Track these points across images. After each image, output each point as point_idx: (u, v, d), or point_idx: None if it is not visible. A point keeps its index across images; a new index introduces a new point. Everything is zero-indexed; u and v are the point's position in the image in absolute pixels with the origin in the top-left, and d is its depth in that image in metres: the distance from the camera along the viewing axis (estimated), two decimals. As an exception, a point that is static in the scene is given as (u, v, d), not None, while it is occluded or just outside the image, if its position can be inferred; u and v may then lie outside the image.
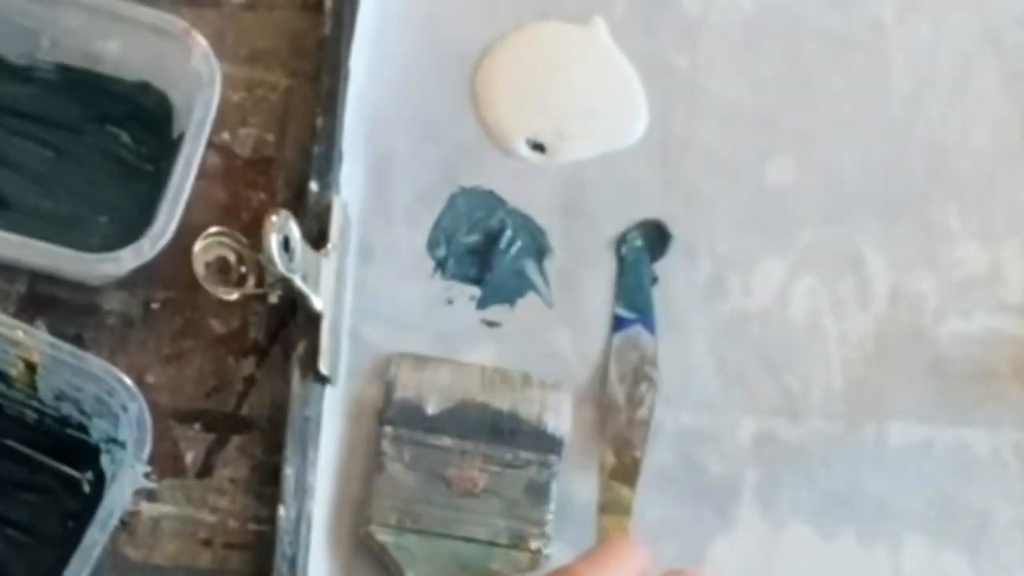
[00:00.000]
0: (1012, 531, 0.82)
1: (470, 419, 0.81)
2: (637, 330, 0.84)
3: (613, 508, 0.81)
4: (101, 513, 0.73)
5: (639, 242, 0.85)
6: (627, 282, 0.84)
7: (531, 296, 0.85)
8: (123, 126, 0.85)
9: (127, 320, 0.83)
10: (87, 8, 0.82)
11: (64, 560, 0.72)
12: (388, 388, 0.82)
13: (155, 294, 0.83)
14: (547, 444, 0.81)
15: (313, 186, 0.83)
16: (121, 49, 0.83)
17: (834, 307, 0.85)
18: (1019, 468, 0.83)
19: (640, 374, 0.83)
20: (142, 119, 0.85)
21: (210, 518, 0.80)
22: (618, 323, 0.84)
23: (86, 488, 0.79)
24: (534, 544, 0.79)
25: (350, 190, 0.85)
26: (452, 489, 0.80)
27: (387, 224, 0.85)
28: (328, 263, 0.81)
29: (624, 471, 0.81)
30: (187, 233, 0.80)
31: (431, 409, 0.81)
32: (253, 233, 0.79)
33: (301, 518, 0.78)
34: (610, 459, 0.82)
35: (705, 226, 0.86)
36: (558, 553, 0.79)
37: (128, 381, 0.75)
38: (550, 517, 0.80)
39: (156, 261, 0.79)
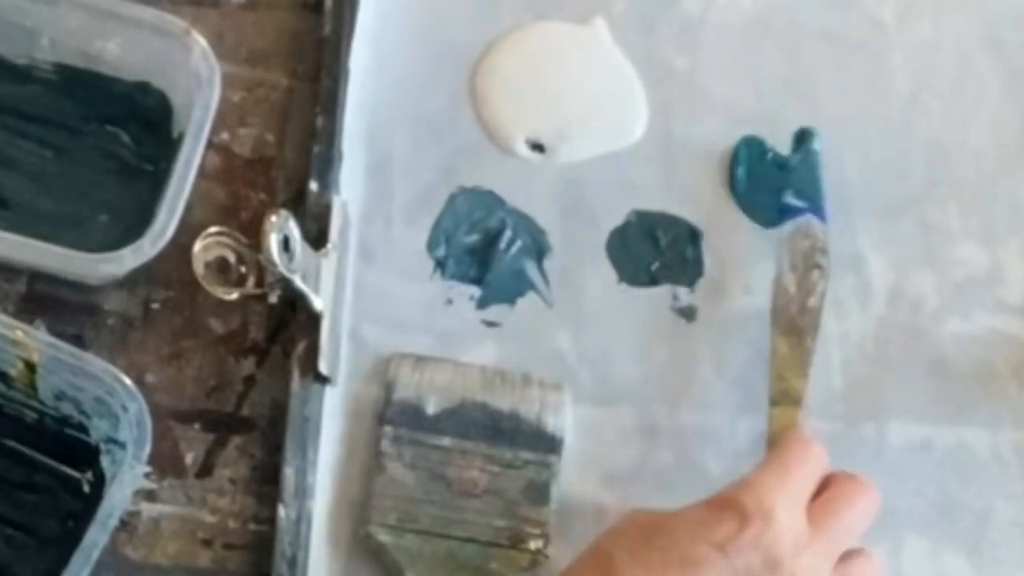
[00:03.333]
0: (1012, 531, 0.82)
1: (470, 419, 0.81)
2: (808, 218, 0.84)
3: (784, 399, 0.80)
4: (101, 513, 0.73)
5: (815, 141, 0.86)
6: (798, 173, 0.85)
7: (531, 296, 0.85)
8: (123, 126, 0.85)
9: (127, 320, 0.83)
10: (87, 8, 0.82)
11: (64, 560, 0.72)
12: (388, 388, 0.82)
13: (155, 294, 0.83)
14: (547, 444, 0.81)
15: (313, 186, 0.83)
16: (121, 49, 0.83)
17: (834, 307, 0.85)
18: (1019, 468, 0.83)
19: (811, 261, 0.82)
20: (142, 119, 0.85)
21: (210, 518, 0.80)
22: (789, 211, 0.84)
23: (86, 488, 0.79)
24: (534, 544, 0.80)
25: (350, 190, 0.85)
26: (452, 489, 0.80)
27: (387, 224, 0.85)
28: (328, 263, 0.81)
29: (796, 360, 0.81)
30: (187, 233, 0.80)
31: (431, 409, 0.81)
32: (253, 233, 0.79)
33: (301, 518, 0.78)
34: (783, 348, 0.81)
35: (705, 226, 0.86)
36: (558, 553, 0.79)
37: (128, 381, 0.75)
38: (550, 517, 0.80)
39: (156, 261, 0.79)
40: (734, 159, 0.87)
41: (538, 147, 0.87)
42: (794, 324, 0.82)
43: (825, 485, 0.76)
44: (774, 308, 0.82)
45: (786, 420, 0.79)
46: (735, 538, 0.71)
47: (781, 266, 0.83)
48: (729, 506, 0.72)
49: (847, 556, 0.75)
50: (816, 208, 0.85)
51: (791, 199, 0.84)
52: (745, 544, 0.71)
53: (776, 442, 0.78)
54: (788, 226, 0.84)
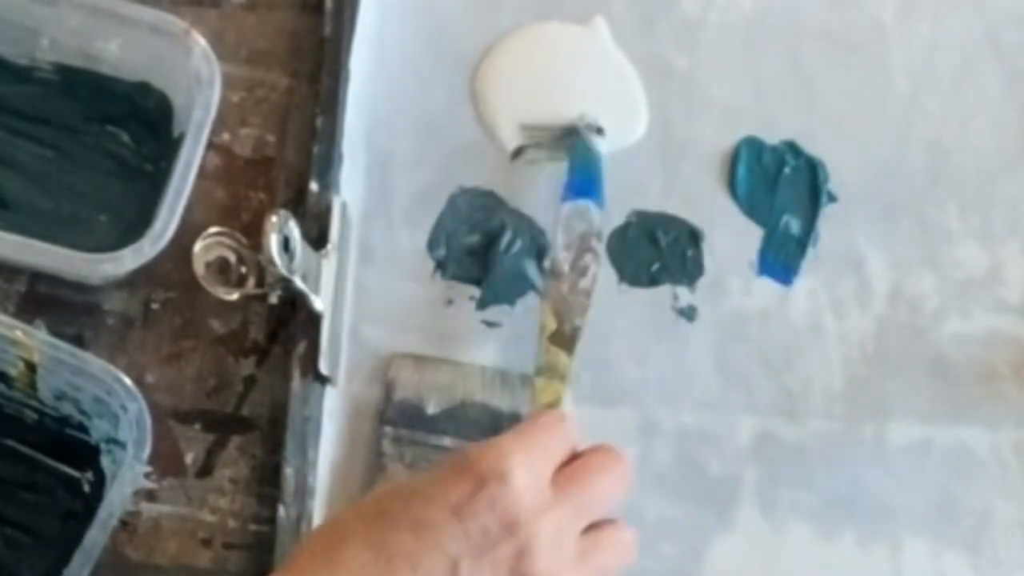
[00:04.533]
0: (1012, 531, 0.82)
1: (470, 419, 0.81)
2: (586, 203, 0.84)
3: (549, 372, 0.79)
4: (101, 513, 0.73)
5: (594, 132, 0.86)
6: (577, 160, 0.84)
7: (531, 296, 0.85)
8: (123, 126, 0.85)
9: (127, 320, 0.83)
10: (87, 8, 0.82)
11: (64, 560, 0.73)
12: (388, 388, 0.82)
13: (155, 294, 0.83)
14: (547, 444, 0.81)
15: (313, 186, 0.83)
16: (121, 49, 0.83)
17: (834, 307, 0.85)
18: (1019, 468, 0.83)
19: (585, 244, 0.82)
20: (142, 119, 0.85)
21: (210, 518, 0.80)
22: (568, 194, 0.84)
23: (86, 488, 0.79)
24: (534, 544, 0.79)
25: (350, 190, 0.85)
26: (452, 489, 0.80)
27: (387, 224, 0.85)
28: (328, 263, 0.81)
29: (563, 337, 0.80)
30: (187, 233, 0.80)
31: (431, 409, 0.81)
32: (253, 233, 0.79)
33: (301, 518, 0.78)
34: (551, 323, 0.80)
35: (705, 226, 0.86)
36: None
37: (128, 381, 0.75)
38: (550, 517, 0.80)
39: (156, 261, 0.79)
40: (735, 159, 0.87)
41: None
42: (565, 302, 0.81)
43: (574, 457, 0.73)
44: (547, 285, 0.82)
45: (551, 394, 0.79)
46: (469, 500, 0.68)
47: (557, 244, 0.83)
48: (464, 468, 0.69)
49: (598, 525, 0.72)
50: (594, 194, 0.84)
51: (571, 182, 0.84)
52: (480, 506, 0.68)
53: (536, 402, 0.77)
54: (566, 207, 0.83)
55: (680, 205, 0.87)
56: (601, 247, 0.83)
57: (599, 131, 0.86)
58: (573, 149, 0.85)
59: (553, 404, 0.79)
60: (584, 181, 0.84)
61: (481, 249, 0.85)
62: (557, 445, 0.72)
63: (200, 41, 0.81)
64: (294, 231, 0.78)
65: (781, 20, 0.90)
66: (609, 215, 0.86)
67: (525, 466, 0.69)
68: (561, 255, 0.82)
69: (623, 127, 0.88)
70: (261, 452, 0.81)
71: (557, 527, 0.69)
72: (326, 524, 0.73)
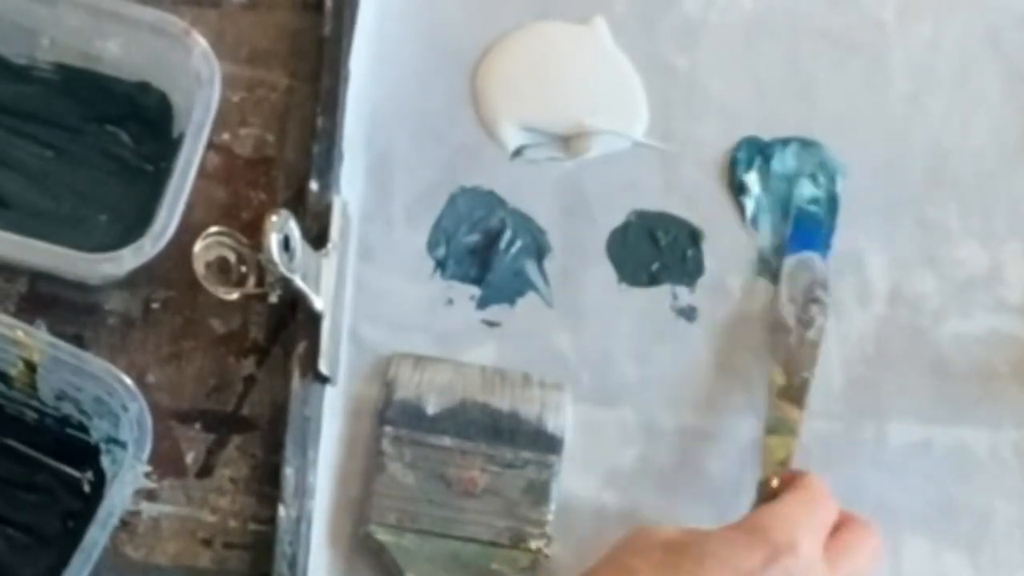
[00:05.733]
0: (1012, 531, 0.82)
1: (470, 419, 0.81)
2: (810, 255, 0.84)
3: (780, 429, 0.80)
4: (101, 513, 0.73)
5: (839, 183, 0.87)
6: (798, 210, 0.86)
7: (531, 296, 0.85)
8: (123, 126, 0.85)
9: (127, 320, 0.83)
10: (87, 8, 0.82)
11: (64, 560, 0.72)
12: (388, 388, 0.82)
13: (155, 294, 0.83)
14: (547, 444, 0.81)
15: (313, 186, 0.83)
16: (121, 49, 0.83)
17: (834, 307, 0.85)
18: (1019, 468, 0.83)
19: (811, 295, 0.83)
20: (142, 119, 0.85)
21: (210, 518, 0.80)
22: (791, 246, 0.85)
23: (86, 488, 0.79)
24: (534, 544, 0.80)
25: (350, 190, 0.85)
26: (452, 489, 0.80)
27: (387, 224, 0.85)
28: (328, 263, 0.81)
29: (792, 391, 0.81)
30: (187, 233, 0.79)
31: (431, 409, 0.81)
32: (253, 233, 0.79)
33: (301, 518, 0.78)
34: (779, 379, 0.81)
35: (705, 226, 0.86)
36: (558, 553, 0.79)
37: (128, 381, 0.75)
38: (550, 517, 0.80)
39: (156, 261, 0.79)
40: (734, 160, 0.87)
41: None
42: (792, 355, 0.82)
43: (835, 527, 0.76)
44: (773, 339, 0.83)
45: (783, 450, 0.79)
46: (763, 570, 0.71)
47: (780, 298, 0.83)
48: (759, 535, 0.72)
49: None
50: (817, 244, 0.85)
51: (793, 232, 0.86)
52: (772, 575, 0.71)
53: (793, 478, 0.77)
54: (790, 260, 0.85)
55: (680, 205, 0.87)
56: (828, 296, 0.84)
57: (812, 180, 0.86)
58: (791, 198, 0.86)
59: (785, 461, 0.79)
60: (806, 232, 0.85)
61: (481, 249, 0.85)
62: (830, 516, 0.75)
63: (200, 41, 0.81)
64: (294, 231, 0.78)
65: (781, 20, 0.90)
66: (609, 215, 0.86)
67: (811, 541, 0.73)
68: (786, 308, 0.83)
69: (623, 127, 0.88)
70: (261, 452, 0.81)
71: None
72: (613, 567, 0.73)
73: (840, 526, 0.76)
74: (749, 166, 0.87)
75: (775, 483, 0.78)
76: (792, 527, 0.73)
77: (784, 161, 0.87)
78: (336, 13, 0.86)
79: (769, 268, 0.85)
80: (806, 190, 0.87)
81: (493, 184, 0.86)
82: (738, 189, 0.87)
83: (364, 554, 0.80)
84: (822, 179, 0.87)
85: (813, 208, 0.86)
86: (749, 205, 0.86)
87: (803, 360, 0.82)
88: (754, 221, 0.86)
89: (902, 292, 0.86)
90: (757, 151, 0.87)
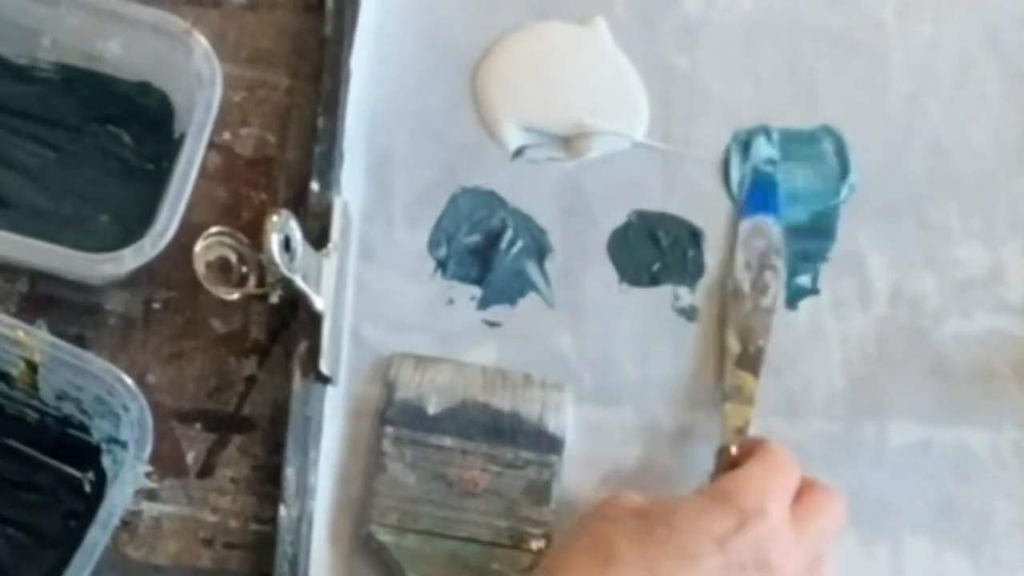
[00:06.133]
0: (1012, 531, 0.82)
1: (471, 419, 0.81)
2: (763, 218, 0.84)
3: (737, 396, 0.81)
4: (102, 513, 0.73)
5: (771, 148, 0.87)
6: (752, 173, 0.86)
7: (532, 296, 0.85)
8: (124, 126, 0.85)
9: (128, 320, 0.83)
10: (88, 8, 0.82)
11: (65, 560, 0.73)
12: (389, 388, 0.82)
13: (156, 294, 0.83)
14: (547, 444, 0.81)
15: (314, 186, 0.84)
16: (122, 49, 0.83)
17: (834, 307, 0.85)
18: (1019, 468, 0.83)
19: (766, 262, 0.83)
20: (143, 119, 0.85)
21: (211, 518, 0.80)
22: (746, 210, 0.85)
23: (87, 488, 0.79)
24: (534, 544, 0.80)
25: (351, 190, 0.85)
26: (453, 489, 0.80)
27: (388, 224, 0.85)
28: (329, 263, 0.81)
29: (748, 359, 0.82)
30: (188, 233, 0.80)
31: (432, 409, 0.81)
32: (254, 233, 0.79)
33: (302, 518, 0.78)
34: (735, 347, 0.82)
35: (706, 226, 0.86)
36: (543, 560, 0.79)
37: (129, 381, 0.75)
38: (551, 517, 0.80)
39: (157, 261, 0.79)
40: (726, 160, 0.87)
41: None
42: (747, 324, 0.82)
43: (798, 492, 0.76)
44: (727, 307, 0.83)
45: (739, 417, 0.80)
46: (734, 535, 0.72)
47: (736, 264, 0.83)
48: (729, 501, 0.73)
49: (812, 561, 0.76)
50: (774, 209, 0.85)
51: (746, 198, 0.86)
52: (742, 540, 0.72)
53: (755, 445, 0.78)
54: (745, 224, 0.85)
55: (681, 205, 0.87)
56: (781, 262, 0.84)
57: (767, 136, 0.86)
58: (746, 161, 0.86)
59: (742, 428, 0.80)
60: (761, 195, 0.85)
61: (482, 249, 0.85)
62: (792, 481, 0.76)
63: (201, 41, 0.81)
64: (295, 231, 0.78)
65: (781, 20, 0.90)
66: (610, 215, 0.86)
67: (778, 504, 0.74)
68: (741, 275, 0.83)
69: (623, 127, 0.88)
70: (262, 452, 0.81)
71: (796, 566, 0.74)
72: (589, 537, 0.74)
73: (803, 491, 0.76)
74: (737, 157, 0.87)
75: (734, 450, 0.79)
76: (760, 492, 0.74)
77: (760, 148, 0.87)
78: (337, 13, 0.86)
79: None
80: (763, 150, 0.87)
81: (494, 184, 0.86)
82: (728, 183, 0.87)
83: (365, 554, 0.80)
84: (776, 138, 0.87)
85: (769, 168, 0.86)
86: (735, 194, 0.86)
87: (758, 328, 0.82)
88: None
89: (902, 292, 0.86)
90: (740, 142, 0.87)
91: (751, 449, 0.78)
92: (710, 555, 0.72)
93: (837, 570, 0.77)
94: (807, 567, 0.75)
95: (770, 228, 0.85)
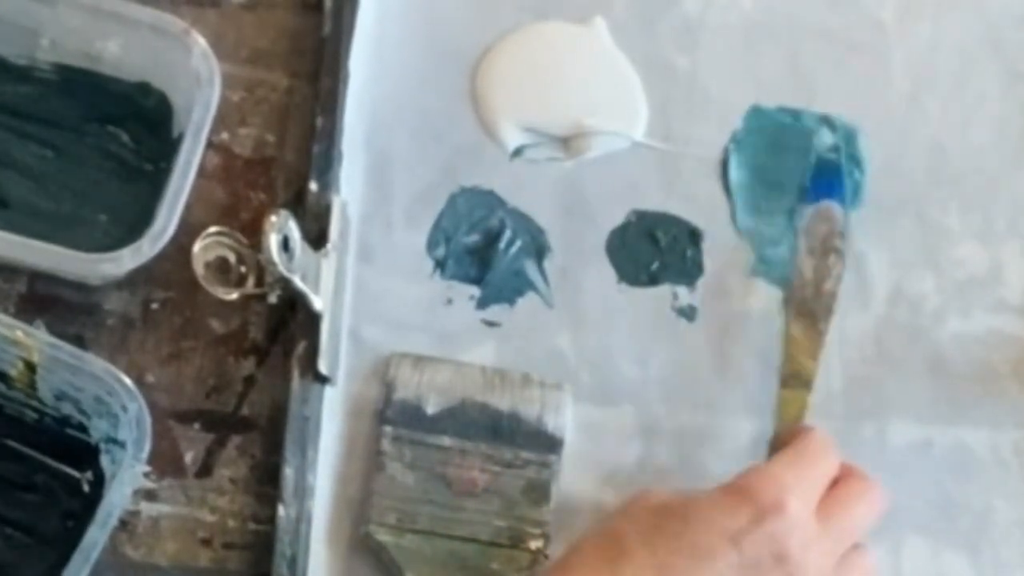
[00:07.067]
0: (1012, 531, 0.82)
1: (470, 419, 0.81)
2: (828, 203, 0.84)
3: (794, 382, 0.81)
4: (101, 513, 0.73)
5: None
6: (816, 158, 0.86)
7: (531, 296, 0.85)
8: (123, 126, 0.85)
9: (127, 320, 0.83)
10: (87, 8, 0.82)
11: (64, 560, 0.72)
12: (388, 388, 0.82)
13: (155, 294, 0.83)
14: (547, 444, 0.81)
15: (313, 186, 0.84)
16: (121, 49, 0.83)
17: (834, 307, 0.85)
18: (1019, 468, 0.83)
19: (828, 246, 0.83)
20: (142, 119, 0.85)
21: (210, 518, 0.80)
22: (809, 195, 0.85)
23: (86, 488, 0.79)
24: (534, 544, 0.80)
25: (350, 190, 0.85)
26: (452, 489, 0.80)
27: (387, 224, 0.85)
28: (328, 263, 0.81)
29: (808, 344, 0.81)
30: (187, 233, 0.79)
31: (431, 409, 0.81)
32: (253, 233, 0.79)
33: (301, 518, 0.78)
34: (796, 331, 0.82)
35: (705, 226, 0.86)
36: (558, 553, 0.79)
37: (128, 381, 0.75)
38: (550, 517, 0.80)
39: (156, 261, 0.79)
40: (725, 160, 0.87)
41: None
42: (808, 307, 0.82)
43: (834, 481, 0.76)
44: (790, 290, 0.83)
45: (796, 403, 0.80)
46: (748, 531, 0.72)
47: (799, 250, 0.83)
48: (745, 496, 0.72)
49: (846, 552, 0.75)
50: (837, 192, 0.85)
51: (811, 183, 0.86)
52: (757, 536, 0.72)
53: (793, 434, 0.78)
54: (808, 210, 0.85)
55: (680, 205, 0.87)
56: (846, 246, 0.84)
57: (830, 127, 0.86)
58: (810, 148, 0.86)
59: (798, 415, 0.80)
60: (826, 180, 0.85)
61: (481, 249, 0.85)
62: (825, 473, 0.75)
63: (200, 41, 0.81)
64: (294, 231, 0.78)
65: (781, 20, 0.90)
66: (609, 215, 0.86)
67: (800, 498, 0.73)
68: (804, 260, 0.82)
69: (623, 127, 0.88)
70: (261, 452, 0.81)
71: (821, 560, 0.73)
72: (600, 533, 0.74)
73: (839, 480, 0.76)
74: (736, 157, 0.87)
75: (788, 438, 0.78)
76: (779, 486, 0.73)
77: (824, 136, 0.87)
78: (336, 13, 0.86)
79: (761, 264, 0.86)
80: (826, 138, 0.87)
81: (493, 184, 0.86)
82: (727, 183, 0.87)
83: (364, 554, 0.80)
84: (839, 126, 0.87)
85: (832, 156, 0.86)
86: (733, 192, 0.86)
87: (819, 312, 0.82)
88: (735, 215, 0.86)
89: (902, 292, 0.86)
90: (734, 139, 0.87)
91: (790, 439, 0.77)
92: (723, 551, 0.71)
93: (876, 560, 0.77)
94: (837, 560, 0.74)
95: (834, 212, 0.84)
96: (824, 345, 0.82)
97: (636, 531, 0.72)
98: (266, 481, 0.80)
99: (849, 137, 0.87)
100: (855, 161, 0.87)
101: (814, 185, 0.86)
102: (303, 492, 0.79)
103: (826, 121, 0.87)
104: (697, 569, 0.71)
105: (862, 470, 0.77)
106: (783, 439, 0.78)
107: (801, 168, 0.87)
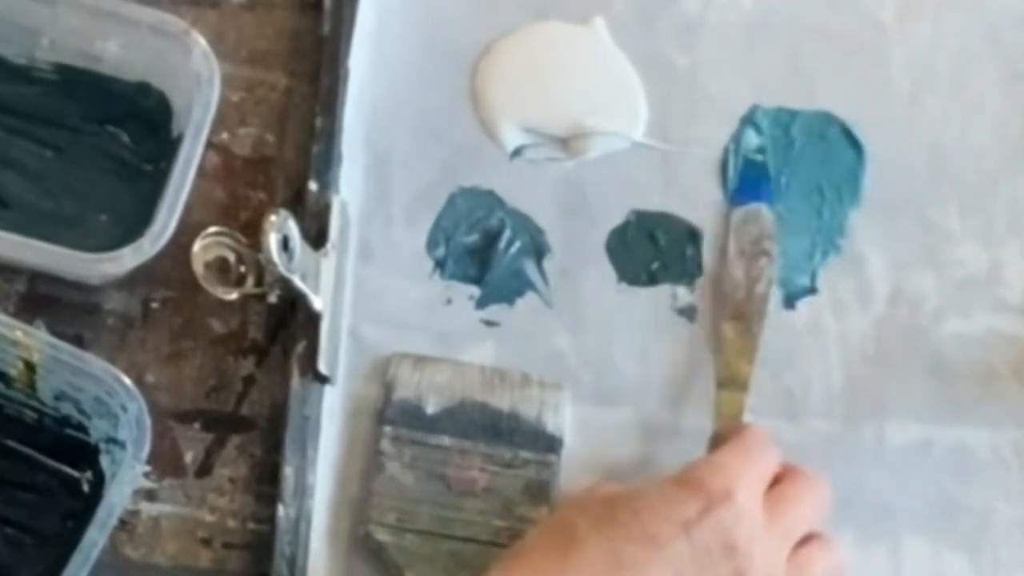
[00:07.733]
0: (1012, 531, 0.82)
1: (469, 419, 0.81)
2: (757, 205, 0.84)
3: (731, 384, 0.81)
4: (101, 513, 0.73)
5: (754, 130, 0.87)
6: (741, 160, 0.86)
7: (530, 296, 0.85)
8: (123, 126, 0.85)
9: (127, 320, 0.83)
10: (87, 8, 0.82)
11: (64, 560, 0.73)
12: (387, 388, 0.82)
13: (155, 294, 0.83)
14: (546, 444, 0.81)
15: (312, 186, 0.84)
16: (121, 49, 0.83)
17: (834, 307, 0.85)
18: (1019, 468, 0.83)
19: (759, 248, 0.83)
20: (142, 119, 0.85)
21: (209, 517, 0.80)
22: (736, 198, 0.85)
23: (86, 488, 0.79)
24: (534, 544, 0.80)
25: (349, 190, 0.85)
26: (451, 489, 0.80)
27: (386, 224, 0.85)
28: (327, 263, 0.81)
29: (743, 346, 0.82)
30: (187, 233, 0.79)
31: (430, 409, 0.81)
32: (252, 233, 0.79)
33: (300, 518, 0.78)
34: (730, 333, 0.82)
35: (704, 226, 0.86)
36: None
37: (127, 381, 0.75)
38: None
39: (156, 261, 0.79)
40: (725, 159, 0.87)
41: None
42: (741, 310, 0.83)
43: (777, 478, 0.76)
44: (722, 294, 0.83)
45: (733, 405, 0.81)
46: (698, 520, 0.72)
47: (729, 252, 0.84)
48: (694, 486, 0.73)
49: (802, 543, 0.76)
50: (766, 195, 0.85)
51: (737, 184, 0.86)
52: (708, 525, 0.72)
53: (733, 431, 0.78)
54: (737, 212, 0.85)
55: (680, 205, 0.87)
56: (775, 248, 0.84)
57: (756, 129, 0.86)
58: (735, 150, 0.86)
59: (735, 416, 0.80)
60: (752, 184, 0.85)
61: (480, 249, 0.85)
62: (768, 466, 0.76)
63: (200, 41, 0.81)
64: (293, 230, 0.78)
65: (781, 20, 0.90)
66: (609, 215, 0.86)
67: (748, 488, 0.73)
68: (735, 263, 0.83)
69: (623, 127, 0.88)
70: (260, 451, 0.81)
71: (768, 553, 0.73)
72: (551, 523, 0.75)
73: (782, 477, 0.76)
74: (735, 157, 0.87)
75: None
76: (727, 477, 0.73)
77: (749, 138, 0.87)
78: (335, 13, 0.86)
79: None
80: (751, 140, 0.87)
81: (492, 184, 0.86)
82: (727, 183, 0.87)
83: (363, 554, 0.80)
84: (766, 126, 0.87)
85: (759, 158, 0.86)
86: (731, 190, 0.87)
87: (752, 315, 0.82)
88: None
89: (902, 292, 0.86)
90: (733, 140, 0.87)
91: (732, 434, 0.78)
92: (674, 540, 0.71)
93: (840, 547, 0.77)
94: (787, 554, 0.74)
95: (763, 214, 0.85)
96: (758, 348, 0.82)
97: (587, 520, 0.72)
98: (266, 481, 0.80)
99: (784, 126, 0.87)
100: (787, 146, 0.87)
101: (742, 187, 0.86)
102: (303, 492, 0.79)
103: (750, 121, 0.87)
104: (648, 557, 0.71)
105: (804, 467, 0.77)
106: (723, 437, 0.78)
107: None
